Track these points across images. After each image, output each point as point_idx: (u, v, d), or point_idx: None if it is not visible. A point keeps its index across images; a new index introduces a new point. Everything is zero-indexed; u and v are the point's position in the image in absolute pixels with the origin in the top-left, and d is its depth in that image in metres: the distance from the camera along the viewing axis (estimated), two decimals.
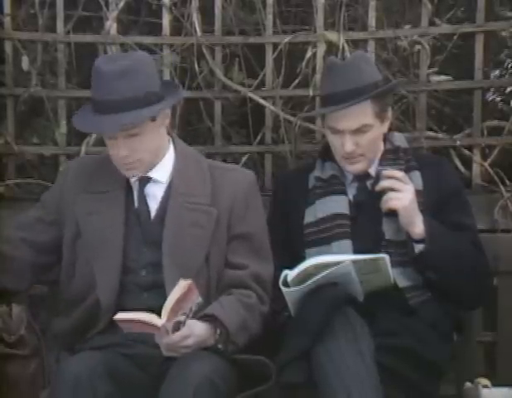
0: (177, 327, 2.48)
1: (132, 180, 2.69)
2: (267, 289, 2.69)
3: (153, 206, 2.68)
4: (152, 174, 2.68)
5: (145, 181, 2.68)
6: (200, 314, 2.54)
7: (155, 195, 2.69)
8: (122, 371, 2.51)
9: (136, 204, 2.68)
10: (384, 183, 2.74)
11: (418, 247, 2.70)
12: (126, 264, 2.63)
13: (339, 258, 2.60)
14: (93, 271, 2.63)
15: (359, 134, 2.74)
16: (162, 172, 2.69)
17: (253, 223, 2.72)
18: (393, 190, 2.72)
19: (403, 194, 2.71)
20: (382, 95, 2.77)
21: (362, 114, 2.73)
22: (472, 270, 2.74)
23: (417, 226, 2.70)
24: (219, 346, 2.55)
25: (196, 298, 2.51)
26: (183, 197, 2.66)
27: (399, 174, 2.74)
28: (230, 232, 2.68)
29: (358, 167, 2.80)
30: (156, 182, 2.68)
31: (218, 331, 2.55)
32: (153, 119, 2.59)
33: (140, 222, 2.67)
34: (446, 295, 2.73)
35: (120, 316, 2.46)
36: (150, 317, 2.44)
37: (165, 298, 2.48)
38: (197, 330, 2.51)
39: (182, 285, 2.48)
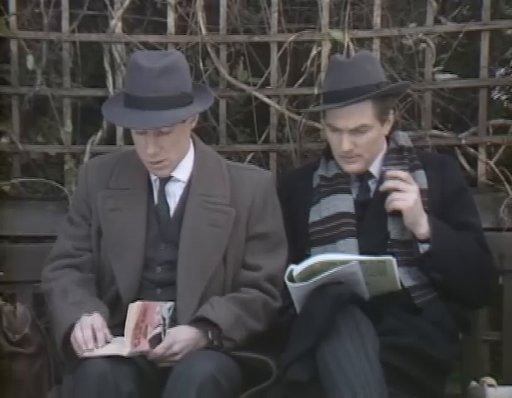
0: (158, 339, 2.50)
1: (153, 178, 2.71)
2: (279, 286, 2.70)
3: (172, 204, 2.71)
4: (172, 173, 2.70)
5: (166, 179, 2.70)
6: (192, 317, 2.56)
7: (174, 193, 2.71)
8: (141, 371, 2.51)
9: (156, 201, 2.71)
10: (388, 184, 2.73)
11: (423, 247, 2.69)
12: (145, 261, 2.66)
13: (346, 257, 2.60)
14: (112, 270, 2.65)
15: (357, 134, 2.74)
16: (183, 171, 2.71)
17: (271, 222, 2.74)
18: (397, 190, 2.71)
19: (407, 194, 2.70)
20: (383, 97, 2.76)
21: (361, 114, 2.72)
22: (477, 270, 2.73)
23: (422, 227, 2.70)
24: (215, 342, 2.56)
25: (161, 309, 2.51)
26: (202, 197, 2.68)
27: (403, 174, 2.73)
28: (249, 232, 2.70)
29: (354, 167, 2.80)
30: (176, 180, 2.71)
31: (209, 333, 2.56)
32: (184, 120, 2.63)
33: (159, 220, 2.69)
34: (452, 295, 2.73)
35: (89, 354, 2.47)
36: (116, 350, 2.46)
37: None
38: (183, 335, 2.53)
39: (135, 308, 2.50)
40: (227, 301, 2.62)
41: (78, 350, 2.50)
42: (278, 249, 2.74)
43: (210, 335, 2.56)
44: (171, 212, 2.70)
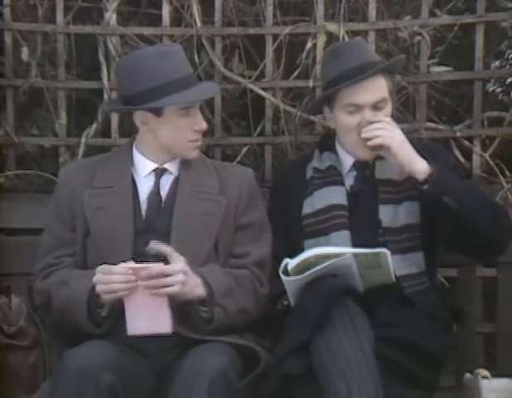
0: None
1: (145, 173, 2.74)
2: (266, 270, 2.75)
3: (163, 195, 2.74)
4: (166, 165, 2.75)
5: (161, 172, 2.75)
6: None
7: (165, 185, 2.75)
8: (125, 362, 2.52)
9: (145, 196, 2.73)
10: (375, 125, 2.70)
11: (427, 185, 2.61)
12: (135, 255, 2.65)
13: (340, 250, 2.60)
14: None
15: (377, 111, 2.73)
16: (174, 164, 2.77)
17: (256, 212, 2.79)
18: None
19: (393, 132, 2.68)
20: (390, 73, 2.78)
21: (378, 87, 2.73)
22: (488, 202, 2.69)
23: (419, 162, 2.64)
24: (206, 308, 2.58)
25: None
26: (192, 187, 2.73)
27: (385, 117, 2.72)
28: (235, 223, 2.75)
29: (371, 151, 2.76)
30: (169, 173, 2.76)
31: (205, 289, 2.58)
32: None
33: (149, 213, 2.71)
34: (469, 232, 2.62)
35: (128, 264, 2.50)
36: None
37: None
38: (190, 272, 2.56)
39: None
40: (224, 271, 2.67)
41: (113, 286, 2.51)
42: (263, 237, 2.79)
43: (204, 291, 2.58)
44: (162, 204, 2.73)
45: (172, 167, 2.76)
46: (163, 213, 2.71)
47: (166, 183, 2.74)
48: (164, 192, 2.74)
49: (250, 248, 2.74)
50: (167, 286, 2.51)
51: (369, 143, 2.70)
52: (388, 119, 2.73)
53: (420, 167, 2.63)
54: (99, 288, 2.53)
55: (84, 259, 2.70)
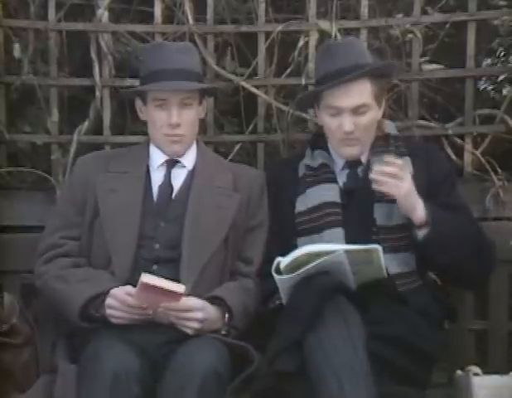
0: None
1: (157, 163, 2.82)
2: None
3: (176, 186, 2.81)
4: (179, 158, 2.83)
5: (172, 163, 2.83)
6: (206, 295, 2.63)
7: (179, 177, 2.82)
8: (146, 374, 2.51)
9: (157, 185, 2.80)
10: (385, 169, 2.67)
11: (422, 232, 2.68)
12: (141, 239, 2.72)
13: (332, 247, 2.61)
14: (108, 250, 2.70)
15: (357, 115, 2.74)
16: (188, 158, 2.85)
17: (263, 214, 2.86)
18: (392, 176, 2.70)
19: (402, 182, 2.68)
20: (379, 76, 2.78)
21: (362, 92, 2.74)
22: (477, 245, 2.73)
23: (419, 211, 2.68)
24: (223, 331, 2.63)
25: None
26: (206, 181, 2.81)
27: (400, 162, 2.70)
28: (246, 224, 2.81)
29: (354, 151, 2.80)
30: (181, 166, 2.83)
31: (226, 315, 2.63)
32: (200, 103, 2.83)
33: (160, 199, 2.78)
34: (458, 276, 2.75)
35: (147, 278, 2.49)
36: (172, 285, 2.51)
37: (175, 273, 2.63)
38: (208, 308, 2.60)
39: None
40: (237, 287, 2.72)
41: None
42: (264, 239, 2.84)
43: (226, 319, 2.64)
44: (175, 193, 2.80)
45: (186, 160, 2.83)
46: (175, 202, 2.77)
47: (179, 175, 2.82)
48: (177, 183, 2.81)
49: (256, 253, 2.81)
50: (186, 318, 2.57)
51: (375, 187, 2.69)
52: (401, 163, 2.68)
53: (418, 216, 2.67)
54: (109, 312, 2.58)
55: (90, 243, 2.75)
